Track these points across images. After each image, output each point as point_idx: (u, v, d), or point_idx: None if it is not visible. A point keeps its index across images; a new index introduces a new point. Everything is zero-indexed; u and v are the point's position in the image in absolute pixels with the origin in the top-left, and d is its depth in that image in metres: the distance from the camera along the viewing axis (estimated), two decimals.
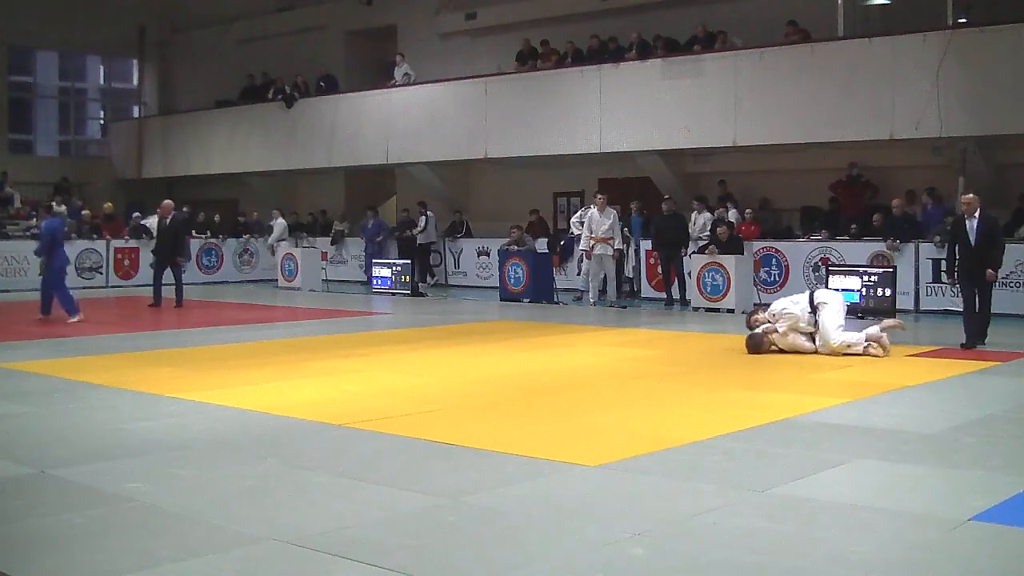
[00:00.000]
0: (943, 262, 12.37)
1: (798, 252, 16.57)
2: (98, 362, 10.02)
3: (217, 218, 24.58)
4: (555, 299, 17.45)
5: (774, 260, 16.74)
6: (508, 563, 4.21)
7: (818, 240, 16.59)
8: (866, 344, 10.30)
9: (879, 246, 15.69)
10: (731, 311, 15.00)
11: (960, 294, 11.56)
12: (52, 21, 26.60)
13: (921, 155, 16.76)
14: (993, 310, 11.30)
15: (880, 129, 15.78)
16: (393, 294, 19.39)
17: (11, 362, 9.82)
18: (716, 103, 17.44)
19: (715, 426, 6.81)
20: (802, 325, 10.54)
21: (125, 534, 4.55)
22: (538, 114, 19.73)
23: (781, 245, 16.89)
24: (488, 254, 20.78)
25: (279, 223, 23.17)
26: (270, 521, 4.70)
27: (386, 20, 24.72)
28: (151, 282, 16.99)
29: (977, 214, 10.99)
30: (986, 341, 10.97)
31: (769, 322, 10.70)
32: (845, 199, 17.40)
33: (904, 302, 14.80)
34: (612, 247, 16.46)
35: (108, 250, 21.61)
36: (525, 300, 17.46)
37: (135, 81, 30.59)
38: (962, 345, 10.89)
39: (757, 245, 16.69)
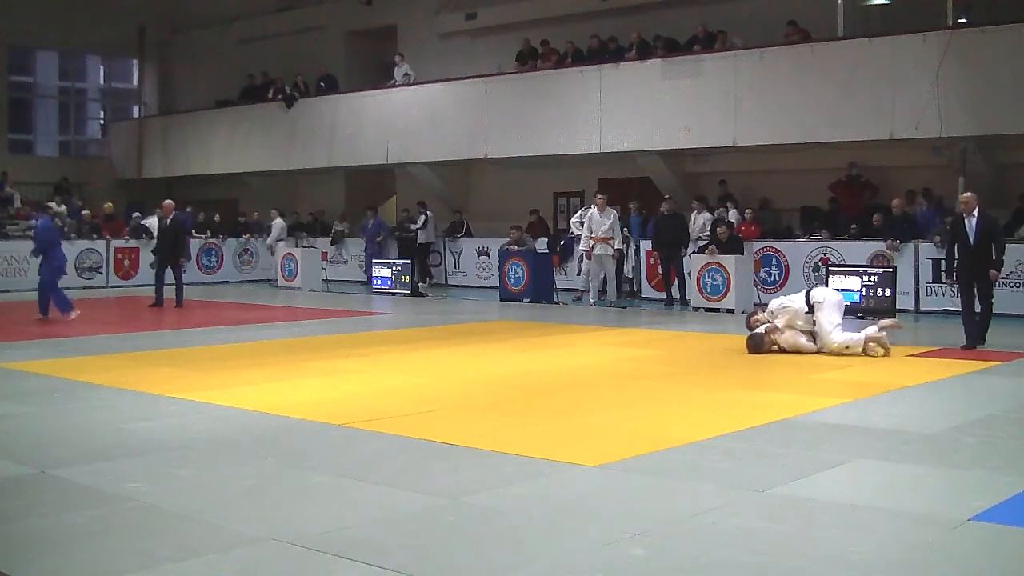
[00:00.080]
0: (943, 262, 12.38)
1: (798, 252, 16.57)
2: (98, 362, 10.02)
3: (217, 218, 24.59)
4: (555, 299, 17.46)
5: (774, 260, 16.74)
6: (508, 563, 4.21)
7: (818, 240, 16.59)
8: (865, 344, 10.30)
9: (879, 246, 15.69)
10: (731, 311, 15.00)
11: (958, 294, 11.55)
12: (52, 21, 26.61)
13: (921, 155, 16.77)
14: (994, 310, 11.29)
15: (880, 129, 15.78)
16: (393, 294, 19.39)
17: (11, 362, 9.82)
18: (716, 103, 17.44)
19: (715, 426, 6.81)
20: (799, 322, 10.54)
21: (125, 534, 4.55)
22: (538, 114, 19.73)
23: (781, 245, 16.89)
24: (488, 254, 20.78)
25: (277, 223, 23.17)
26: (270, 521, 4.70)
27: (386, 20, 24.73)
28: (152, 282, 17.00)
29: (976, 213, 10.98)
30: (985, 342, 10.96)
31: (769, 321, 10.71)
32: (844, 199, 17.41)
33: (904, 302, 14.80)
34: (612, 247, 16.46)
35: (108, 250, 21.61)
36: (525, 300, 17.46)
37: (135, 81, 30.61)
38: (963, 347, 10.88)
39: (757, 245, 16.69)
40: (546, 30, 21.42)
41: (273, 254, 22.52)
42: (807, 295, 10.74)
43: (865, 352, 10.28)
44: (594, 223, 16.45)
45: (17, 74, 28.78)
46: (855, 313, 13.09)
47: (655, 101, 18.19)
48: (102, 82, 31.12)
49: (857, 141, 16.37)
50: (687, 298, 16.43)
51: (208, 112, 26.84)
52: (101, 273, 21.40)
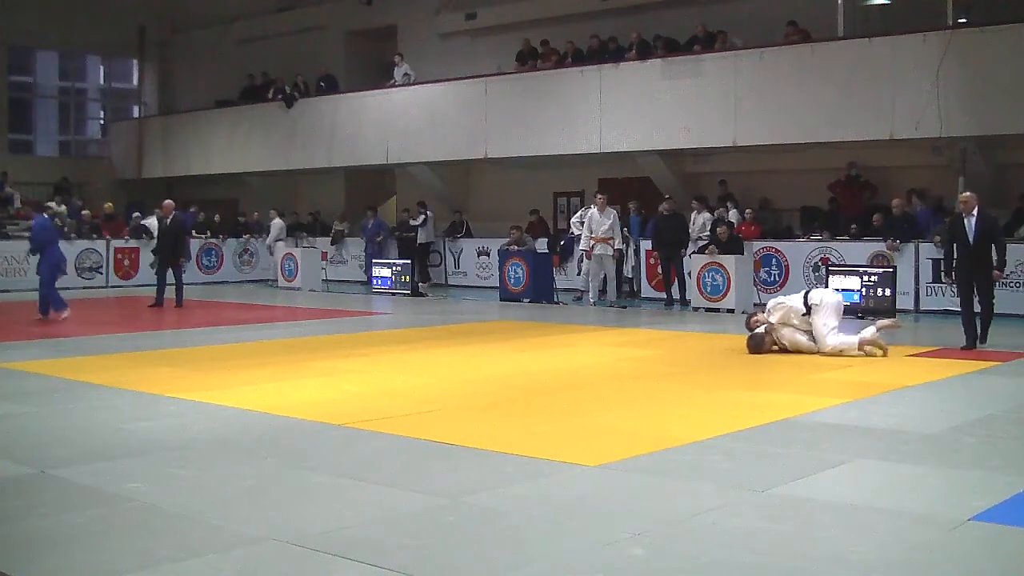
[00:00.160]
0: (942, 262, 12.38)
1: (798, 252, 16.57)
2: (98, 362, 10.02)
3: (217, 218, 24.58)
4: (555, 299, 17.45)
5: (774, 260, 16.74)
6: (508, 563, 4.21)
7: (818, 240, 16.59)
8: (859, 348, 10.28)
9: (879, 246, 15.69)
10: (731, 311, 15.00)
11: (957, 293, 11.55)
12: (52, 21, 26.61)
13: (921, 155, 16.77)
14: (994, 310, 11.27)
15: (880, 129, 15.78)
16: (393, 294, 19.39)
17: (11, 362, 9.82)
18: (716, 103, 17.44)
19: (715, 426, 6.81)
20: (795, 319, 10.53)
21: (125, 534, 4.55)
22: (538, 114, 19.73)
23: (781, 245, 16.89)
24: (488, 254, 20.78)
25: (276, 223, 23.16)
26: (270, 521, 4.70)
27: (386, 20, 24.73)
28: (152, 282, 17.00)
29: (975, 212, 10.98)
30: (986, 341, 10.96)
31: (768, 320, 10.71)
32: (844, 199, 17.41)
33: (904, 302, 14.80)
34: (612, 247, 16.46)
35: (108, 250, 21.61)
36: (525, 300, 17.46)
37: (135, 81, 30.61)
38: (963, 347, 10.87)
39: (757, 245, 16.69)
40: (546, 30, 21.42)
41: (272, 254, 22.52)
42: (805, 296, 10.74)
43: (865, 352, 10.28)
44: (594, 223, 16.45)
45: (17, 74, 28.78)
46: (855, 313, 13.08)
47: (655, 101, 18.19)
48: (102, 82, 31.12)
49: (857, 141, 16.36)
50: (687, 298, 16.43)
51: (208, 112, 26.84)
52: (101, 273, 21.40)
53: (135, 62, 30.16)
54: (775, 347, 10.65)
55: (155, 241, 17.89)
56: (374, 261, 20.70)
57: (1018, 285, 14.33)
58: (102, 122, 31.13)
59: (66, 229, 20.91)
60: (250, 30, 27.17)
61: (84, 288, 20.17)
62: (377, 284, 19.93)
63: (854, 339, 10.33)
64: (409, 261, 20.03)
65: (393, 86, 22.81)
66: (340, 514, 4.84)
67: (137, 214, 22.99)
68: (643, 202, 19.34)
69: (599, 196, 16.75)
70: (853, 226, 16.49)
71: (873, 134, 15.92)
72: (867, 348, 10.29)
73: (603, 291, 16.67)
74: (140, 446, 6.29)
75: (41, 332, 12.89)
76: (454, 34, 23.65)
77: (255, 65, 26.32)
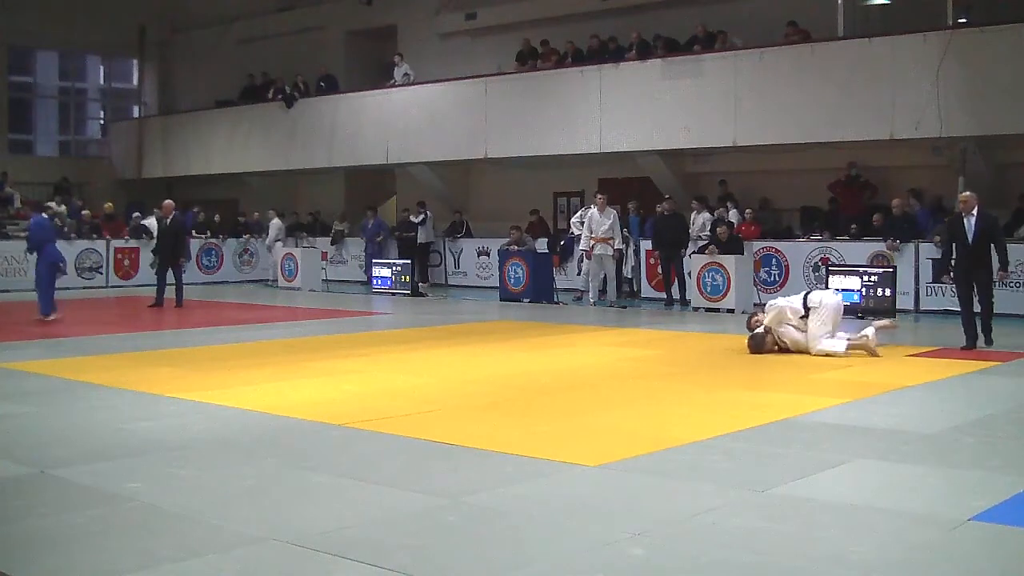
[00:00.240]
0: (942, 261, 12.36)
1: (798, 252, 16.57)
2: (98, 362, 10.02)
3: (217, 218, 24.58)
4: (555, 299, 17.45)
5: (774, 260, 16.74)
6: (508, 563, 4.21)
7: (818, 240, 16.59)
8: (846, 351, 10.26)
9: (879, 246, 15.69)
10: (731, 311, 15.00)
11: (957, 293, 11.55)
12: (52, 21, 26.60)
13: (921, 155, 16.77)
14: (994, 310, 11.27)
15: (880, 129, 15.78)
16: (393, 294, 19.39)
17: (11, 362, 9.83)
18: (716, 103, 17.44)
19: (715, 426, 6.81)
20: (792, 320, 10.52)
21: (125, 534, 4.55)
22: (538, 114, 19.73)
23: (781, 245, 16.89)
24: (488, 254, 20.78)
25: (274, 224, 23.15)
26: (270, 521, 4.70)
27: (386, 20, 24.73)
28: (152, 282, 17.00)
29: (975, 212, 10.98)
30: (993, 342, 10.94)
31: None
32: (844, 199, 17.41)
33: (904, 302, 14.80)
34: (612, 247, 16.46)
35: (108, 250, 21.62)
36: (525, 300, 17.46)
37: (135, 81, 30.61)
38: (963, 347, 10.86)
39: (757, 245, 16.69)
40: (546, 30, 21.42)
41: (271, 254, 22.52)
42: (805, 298, 10.74)
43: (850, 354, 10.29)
44: (594, 223, 16.45)
45: (17, 74, 28.78)
46: (855, 313, 13.08)
47: (655, 101, 18.19)
48: (102, 82, 31.12)
49: (857, 141, 16.36)
50: (687, 298, 16.43)
51: (208, 112, 26.84)
52: (101, 273, 21.40)
53: (135, 62, 30.16)
54: (776, 347, 10.65)
55: (155, 241, 17.89)
56: (374, 261, 20.70)
57: (1018, 285, 14.33)
58: (102, 122, 31.13)
59: (66, 229, 20.92)
60: (250, 30, 27.16)
61: (84, 288, 20.17)
62: (377, 284, 19.93)
63: (842, 345, 10.31)
64: (409, 261, 20.04)
65: (393, 86, 22.81)
66: (340, 514, 4.84)
67: (137, 214, 22.99)
68: (643, 202, 19.35)
69: (599, 196, 16.75)
70: (853, 226, 16.49)
71: (873, 134, 15.92)
72: (853, 353, 10.27)
73: (603, 291, 16.67)
74: (140, 446, 6.29)
75: (41, 332, 12.89)
76: (454, 34, 23.65)
77: (255, 65, 26.32)
